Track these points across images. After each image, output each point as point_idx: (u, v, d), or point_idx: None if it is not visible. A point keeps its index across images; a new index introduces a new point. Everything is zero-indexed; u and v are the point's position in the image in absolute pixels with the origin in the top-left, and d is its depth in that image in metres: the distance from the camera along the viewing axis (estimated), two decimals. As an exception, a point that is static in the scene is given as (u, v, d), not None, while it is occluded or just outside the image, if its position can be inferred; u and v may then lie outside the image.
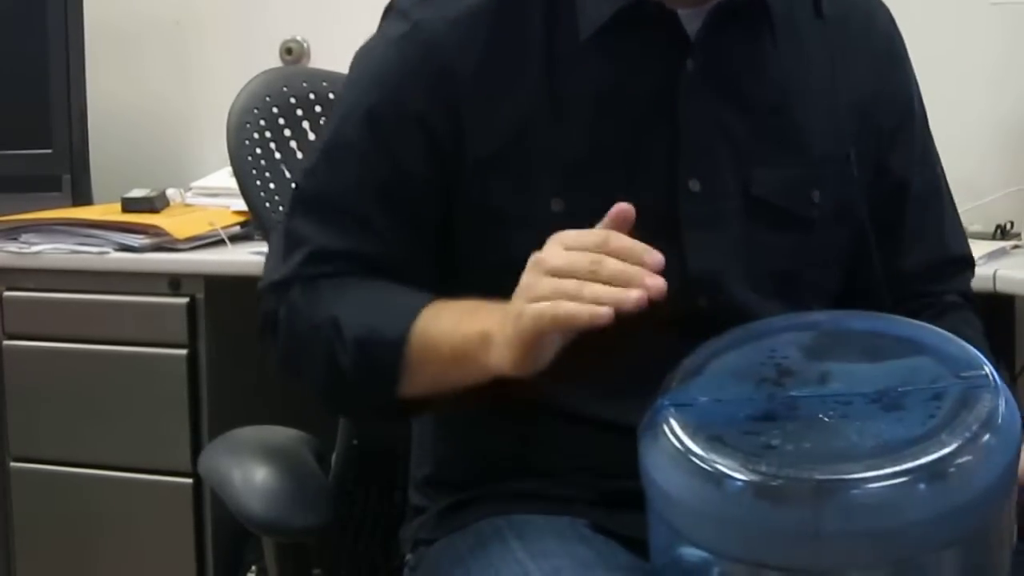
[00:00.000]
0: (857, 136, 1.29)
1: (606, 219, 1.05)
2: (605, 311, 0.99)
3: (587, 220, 1.07)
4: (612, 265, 1.01)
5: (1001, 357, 1.28)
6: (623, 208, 1.05)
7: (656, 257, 1.02)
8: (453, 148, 1.21)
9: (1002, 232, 2.16)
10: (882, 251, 1.32)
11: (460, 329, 1.13)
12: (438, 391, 1.17)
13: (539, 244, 1.06)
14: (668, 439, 1.00)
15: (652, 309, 1.18)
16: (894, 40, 1.35)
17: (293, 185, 1.32)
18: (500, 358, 1.08)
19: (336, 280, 1.22)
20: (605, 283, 1.01)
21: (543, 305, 1.02)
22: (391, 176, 1.22)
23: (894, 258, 1.33)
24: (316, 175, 1.26)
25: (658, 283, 1.00)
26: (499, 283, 1.09)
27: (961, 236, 1.40)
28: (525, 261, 1.06)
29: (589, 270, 1.02)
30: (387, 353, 1.16)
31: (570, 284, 1.01)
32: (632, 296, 0.99)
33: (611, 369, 1.18)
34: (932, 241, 1.35)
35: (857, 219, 1.29)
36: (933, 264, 1.35)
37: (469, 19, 1.22)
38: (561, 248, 1.05)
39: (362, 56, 1.28)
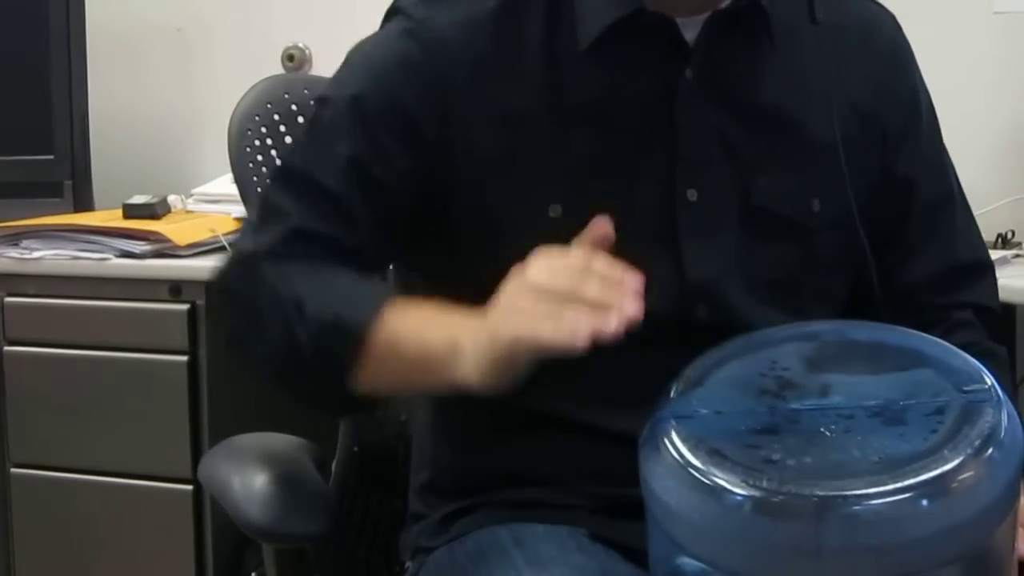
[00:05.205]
0: (859, 143, 1.28)
1: (586, 233, 1.05)
2: (582, 338, 0.98)
3: (585, 227, 1.06)
4: (593, 288, 1.00)
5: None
6: (601, 223, 1.04)
7: (636, 279, 1.01)
8: (439, 149, 1.21)
9: (1003, 241, 2.16)
10: (888, 260, 1.31)
11: (428, 333, 1.11)
12: (396, 390, 1.16)
13: (535, 250, 1.05)
14: (668, 451, 0.99)
15: (650, 319, 1.19)
16: (898, 45, 1.34)
17: (278, 161, 1.30)
18: (469, 371, 1.06)
19: (308, 262, 1.20)
20: (586, 306, 0.99)
21: (522, 326, 1.01)
22: (374, 163, 1.21)
23: (900, 266, 1.32)
24: (302, 152, 1.26)
25: (636, 309, 0.99)
26: (493, 290, 1.08)
27: (975, 242, 1.37)
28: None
29: (570, 291, 1.00)
30: (346, 341, 1.13)
31: (550, 306, 1.00)
32: (611, 324, 0.97)
33: (610, 379, 1.18)
34: (941, 249, 1.33)
35: (857, 228, 1.29)
36: (942, 273, 1.33)
37: (470, 22, 1.22)
38: (545, 265, 1.03)
39: (361, 46, 1.28)
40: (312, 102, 1.29)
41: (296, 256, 1.20)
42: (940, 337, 1.14)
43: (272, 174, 1.28)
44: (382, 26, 1.28)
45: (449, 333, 1.09)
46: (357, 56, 1.27)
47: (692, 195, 1.22)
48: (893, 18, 1.36)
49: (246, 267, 1.22)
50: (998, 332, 1.34)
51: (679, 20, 1.21)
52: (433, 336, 1.10)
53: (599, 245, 1.04)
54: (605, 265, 1.02)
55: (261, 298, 1.19)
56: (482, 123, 1.21)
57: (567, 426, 1.23)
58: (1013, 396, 1.24)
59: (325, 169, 1.22)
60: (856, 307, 1.31)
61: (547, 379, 1.13)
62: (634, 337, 1.16)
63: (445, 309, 1.12)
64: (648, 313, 1.19)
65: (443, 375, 1.08)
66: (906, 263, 1.32)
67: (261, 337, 1.19)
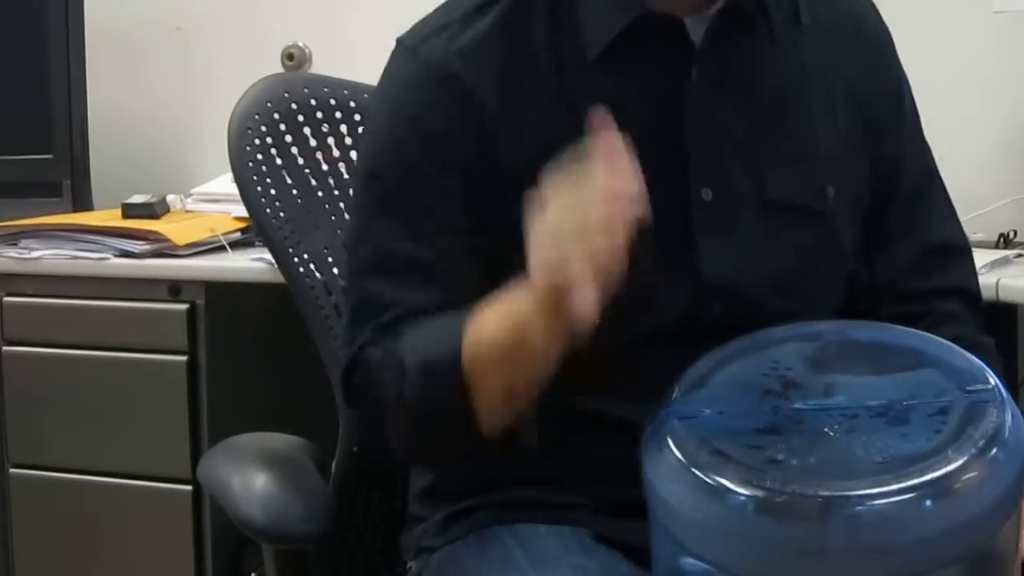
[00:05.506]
0: (858, 131, 1.30)
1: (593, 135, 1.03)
2: (601, 270, 0.98)
3: None
4: (599, 211, 1.00)
5: (1004, 366, 1.28)
6: (600, 118, 1.03)
7: (633, 165, 1.02)
8: (485, 172, 1.21)
9: (1005, 241, 2.15)
10: (871, 247, 1.32)
11: (501, 326, 1.09)
12: (517, 396, 1.12)
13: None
14: (671, 451, 0.99)
15: (666, 319, 1.19)
16: (881, 34, 1.36)
17: (345, 248, 1.29)
18: (544, 338, 1.04)
19: (412, 329, 1.19)
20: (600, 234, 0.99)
21: (555, 274, 0.99)
22: (441, 210, 1.22)
23: (882, 253, 1.32)
24: (372, 234, 1.24)
25: (639, 210, 1.00)
26: None
27: (949, 225, 1.37)
28: None
29: (582, 225, 1.00)
30: (446, 373, 1.12)
31: (571, 247, 0.99)
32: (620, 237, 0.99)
33: (622, 377, 1.18)
34: (919, 233, 1.34)
35: (858, 215, 1.30)
36: (918, 256, 1.33)
37: (477, 46, 1.22)
38: (554, 208, 1.02)
39: (380, 102, 1.27)
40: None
41: (401, 331, 1.19)
42: (926, 331, 1.14)
43: (353, 269, 1.26)
44: (390, 60, 1.27)
45: (514, 315, 1.07)
46: (381, 113, 1.27)
47: (707, 194, 1.22)
48: (874, 6, 1.37)
49: (356, 367, 1.21)
50: (983, 318, 1.34)
51: (686, 21, 1.22)
52: (507, 325, 1.08)
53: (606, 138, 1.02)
54: (603, 176, 1.01)
55: (374, 383, 1.19)
56: (509, 139, 1.21)
57: (570, 424, 1.22)
58: (1014, 395, 1.24)
59: (408, 240, 1.21)
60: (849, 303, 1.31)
61: (557, 375, 1.13)
62: (647, 335, 1.17)
63: (505, 296, 1.10)
64: (664, 313, 1.19)
65: (533, 358, 1.06)
66: (887, 249, 1.33)
67: (391, 419, 1.18)
